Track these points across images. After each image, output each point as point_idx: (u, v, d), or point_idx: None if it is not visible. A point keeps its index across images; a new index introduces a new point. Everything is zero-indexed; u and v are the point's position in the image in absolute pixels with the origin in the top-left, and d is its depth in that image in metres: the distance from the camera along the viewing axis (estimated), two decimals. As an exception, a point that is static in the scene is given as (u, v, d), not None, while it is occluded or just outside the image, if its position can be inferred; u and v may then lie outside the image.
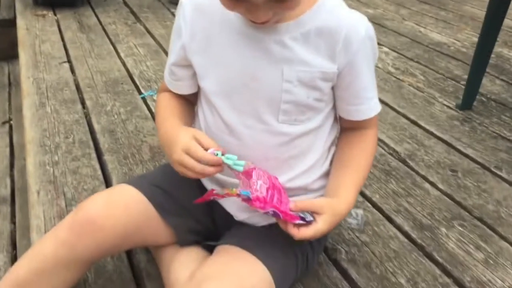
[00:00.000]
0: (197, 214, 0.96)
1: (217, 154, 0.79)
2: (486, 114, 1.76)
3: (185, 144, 0.81)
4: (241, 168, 0.80)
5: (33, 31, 2.44)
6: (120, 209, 0.88)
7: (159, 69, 2.04)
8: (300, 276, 0.96)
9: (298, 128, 0.88)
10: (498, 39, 1.78)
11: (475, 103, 1.81)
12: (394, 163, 1.45)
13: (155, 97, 1.78)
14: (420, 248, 1.12)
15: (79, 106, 1.72)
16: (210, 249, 0.93)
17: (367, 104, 0.90)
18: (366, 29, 0.84)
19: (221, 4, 0.77)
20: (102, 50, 2.24)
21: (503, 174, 1.41)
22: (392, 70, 2.13)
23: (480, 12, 2.82)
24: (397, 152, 1.51)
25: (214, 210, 0.97)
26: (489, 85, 2.00)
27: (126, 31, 2.51)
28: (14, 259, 1.40)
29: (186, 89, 0.96)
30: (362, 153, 0.93)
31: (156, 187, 0.94)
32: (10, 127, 2.11)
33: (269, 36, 0.82)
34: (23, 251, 1.04)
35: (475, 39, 2.53)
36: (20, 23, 2.55)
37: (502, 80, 2.07)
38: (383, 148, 1.52)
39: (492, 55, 1.85)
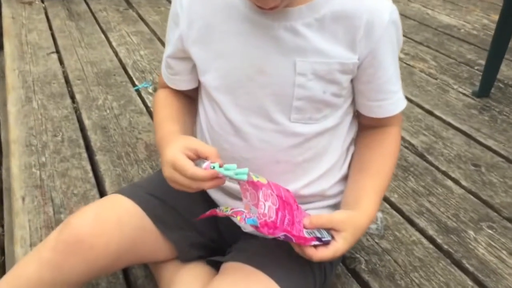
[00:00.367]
0: (200, 226, 0.88)
1: (213, 167, 0.68)
2: (506, 102, 1.68)
3: (171, 159, 0.72)
4: (245, 177, 0.69)
5: (19, 20, 2.38)
6: (112, 224, 0.80)
7: (153, 59, 1.99)
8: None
9: (313, 128, 0.80)
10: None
11: (492, 90, 1.72)
12: (411, 158, 1.35)
13: (150, 89, 1.70)
14: (448, 255, 1.04)
15: (68, 101, 1.65)
16: (215, 265, 0.85)
17: (390, 100, 0.82)
18: (390, 12, 0.76)
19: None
20: (93, 39, 2.17)
21: (530, 168, 1.32)
22: (401, 55, 2.03)
23: (490, -7, 2.72)
24: (413, 145, 1.41)
25: (219, 220, 0.88)
26: (506, 69, 1.90)
27: (118, 18, 2.45)
28: (2, 265, 1.30)
29: (184, 85, 0.88)
30: (384, 155, 0.85)
31: (153, 197, 0.86)
32: (-3, 122, 2.01)
33: (278, 23, 0.74)
34: (11, 258, 0.94)
35: (486, 21, 2.42)
36: (6, 11, 2.49)
37: (520, 65, 1.97)
38: (398, 141, 1.42)
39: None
